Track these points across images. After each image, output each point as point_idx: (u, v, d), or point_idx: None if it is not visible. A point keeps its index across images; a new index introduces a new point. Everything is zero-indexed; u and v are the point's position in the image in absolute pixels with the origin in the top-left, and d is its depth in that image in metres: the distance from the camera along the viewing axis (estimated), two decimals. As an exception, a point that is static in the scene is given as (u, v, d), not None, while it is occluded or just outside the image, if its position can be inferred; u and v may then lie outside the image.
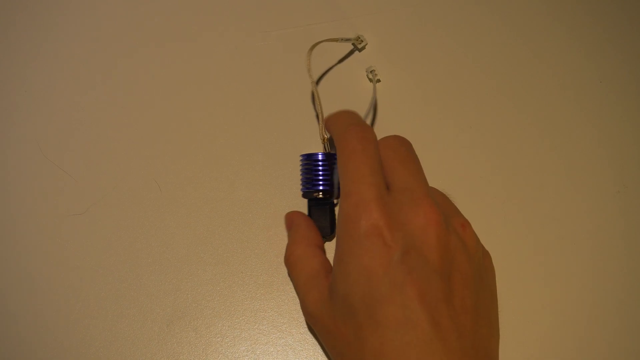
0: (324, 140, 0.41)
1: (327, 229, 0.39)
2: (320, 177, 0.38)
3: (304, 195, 0.40)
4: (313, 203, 0.40)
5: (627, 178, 0.44)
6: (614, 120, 0.46)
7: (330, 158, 0.39)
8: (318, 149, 0.43)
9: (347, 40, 0.45)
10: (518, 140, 0.45)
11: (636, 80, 0.47)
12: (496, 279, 0.36)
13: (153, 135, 0.44)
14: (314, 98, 0.44)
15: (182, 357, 0.39)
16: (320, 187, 0.38)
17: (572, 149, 0.45)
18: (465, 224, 0.33)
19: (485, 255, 0.35)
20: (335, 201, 0.40)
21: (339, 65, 0.46)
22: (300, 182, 0.40)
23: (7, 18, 0.48)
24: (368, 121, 0.44)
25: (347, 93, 0.45)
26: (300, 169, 0.40)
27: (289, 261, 0.37)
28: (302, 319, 0.40)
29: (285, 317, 0.40)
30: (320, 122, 0.41)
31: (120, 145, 0.44)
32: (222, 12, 0.48)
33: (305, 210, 0.40)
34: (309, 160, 0.39)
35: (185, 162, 0.44)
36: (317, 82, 0.45)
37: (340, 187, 0.33)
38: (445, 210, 0.33)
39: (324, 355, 0.39)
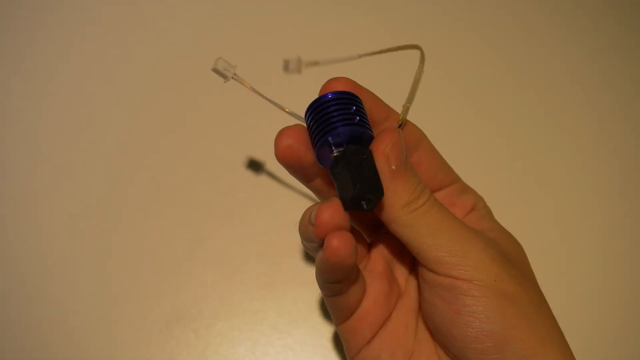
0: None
1: (376, 187, 0.25)
2: (335, 118, 0.25)
3: (320, 161, 0.27)
4: (341, 157, 0.26)
5: (630, 178, 0.44)
6: (618, 120, 0.46)
7: (348, 97, 0.26)
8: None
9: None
10: (522, 138, 0.45)
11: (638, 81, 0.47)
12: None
13: (152, 134, 0.44)
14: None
15: (182, 358, 0.39)
16: (340, 126, 0.25)
17: (576, 149, 0.45)
18: None
19: None
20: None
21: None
22: (312, 144, 0.27)
23: (6, 17, 0.48)
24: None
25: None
26: (308, 125, 0.27)
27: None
28: (301, 319, 0.39)
29: (285, 318, 0.39)
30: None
31: (119, 145, 0.44)
32: (224, 13, 0.48)
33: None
34: (314, 107, 0.26)
35: (185, 162, 0.44)
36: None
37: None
38: None
39: (323, 356, 0.39)
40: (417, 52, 0.30)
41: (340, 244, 0.24)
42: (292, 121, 0.28)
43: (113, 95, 0.46)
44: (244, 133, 0.44)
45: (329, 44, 0.48)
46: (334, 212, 0.25)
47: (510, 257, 0.27)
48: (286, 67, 0.31)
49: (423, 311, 0.27)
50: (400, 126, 0.28)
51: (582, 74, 0.47)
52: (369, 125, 0.26)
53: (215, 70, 0.29)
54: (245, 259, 0.41)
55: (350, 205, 0.25)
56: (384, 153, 0.25)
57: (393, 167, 0.25)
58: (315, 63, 0.31)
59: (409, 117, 0.29)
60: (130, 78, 0.46)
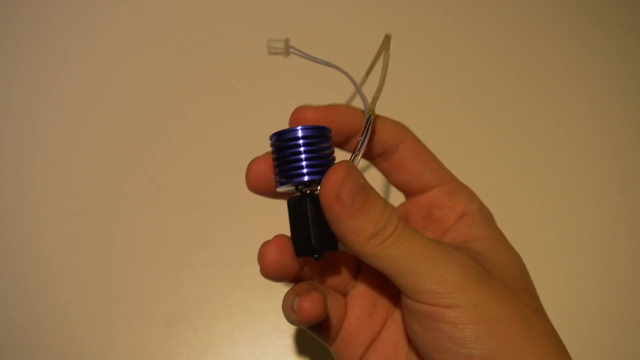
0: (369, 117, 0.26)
1: (309, 241, 0.25)
2: (304, 163, 0.25)
3: (278, 187, 0.27)
4: (295, 203, 0.25)
5: (630, 178, 0.44)
6: (619, 119, 0.46)
7: (317, 132, 0.25)
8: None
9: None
10: (522, 138, 0.45)
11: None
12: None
13: (152, 135, 0.44)
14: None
15: (181, 358, 0.39)
16: (306, 178, 0.25)
17: (576, 149, 0.45)
18: None
19: None
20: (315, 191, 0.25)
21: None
22: (275, 175, 0.26)
23: (7, 17, 0.48)
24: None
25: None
26: (273, 156, 0.27)
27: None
28: (302, 320, 0.39)
29: (285, 318, 0.39)
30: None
31: (119, 145, 0.44)
32: (225, 13, 0.48)
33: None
34: (281, 140, 0.26)
35: (185, 162, 0.44)
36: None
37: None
38: None
39: (323, 357, 0.39)
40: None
41: (311, 306, 0.25)
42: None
43: (113, 96, 0.46)
44: (244, 133, 0.44)
45: (329, 44, 0.47)
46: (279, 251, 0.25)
47: (496, 271, 0.26)
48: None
49: (408, 334, 0.27)
50: (368, 121, 0.25)
51: (583, 74, 0.47)
52: (328, 161, 0.25)
53: (272, 54, 0.29)
54: (245, 259, 0.41)
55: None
56: (332, 196, 0.23)
57: (348, 203, 0.24)
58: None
59: (393, 115, 0.28)
60: (131, 78, 0.46)
